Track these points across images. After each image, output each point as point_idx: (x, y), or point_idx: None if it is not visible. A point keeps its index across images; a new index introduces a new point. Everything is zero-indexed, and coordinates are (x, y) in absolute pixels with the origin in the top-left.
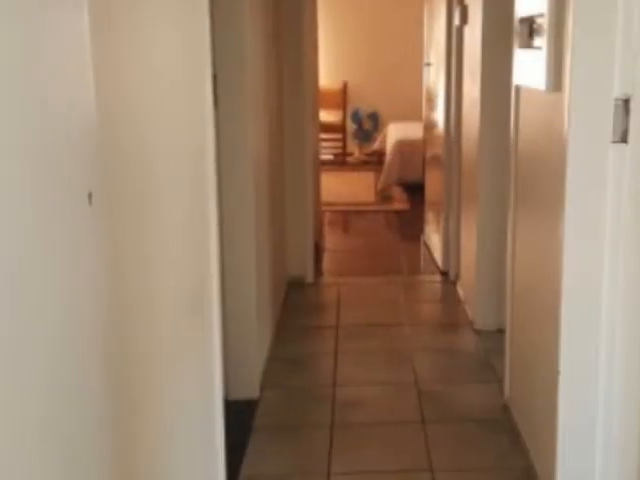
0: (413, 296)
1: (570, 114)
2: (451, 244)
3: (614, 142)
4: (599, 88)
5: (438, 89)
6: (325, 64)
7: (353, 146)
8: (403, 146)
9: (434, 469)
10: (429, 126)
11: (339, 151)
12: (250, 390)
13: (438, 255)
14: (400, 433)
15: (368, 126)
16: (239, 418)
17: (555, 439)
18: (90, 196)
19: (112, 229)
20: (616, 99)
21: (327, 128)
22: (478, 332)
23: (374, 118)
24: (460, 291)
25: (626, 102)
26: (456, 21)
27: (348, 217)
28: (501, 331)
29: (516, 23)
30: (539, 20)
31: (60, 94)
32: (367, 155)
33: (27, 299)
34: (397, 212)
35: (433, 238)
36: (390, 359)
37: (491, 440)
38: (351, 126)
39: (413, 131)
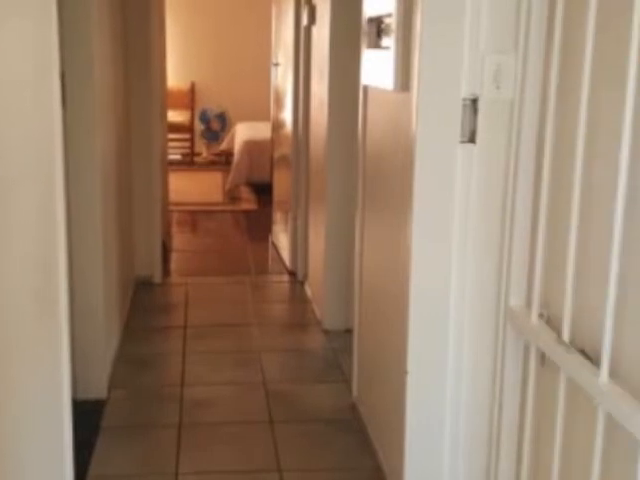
0: (261, 296)
1: (418, 114)
2: (299, 244)
3: (462, 142)
4: (447, 88)
5: (286, 89)
6: (173, 64)
7: (201, 146)
8: (251, 146)
9: (282, 469)
10: (277, 126)
11: (187, 151)
12: (98, 390)
13: (286, 255)
14: (248, 433)
15: (216, 126)
16: (87, 418)
17: (403, 439)
18: None
19: None
20: (464, 99)
21: (175, 128)
22: (326, 332)
23: (222, 118)
24: (308, 291)
25: (474, 102)
26: (304, 21)
27: (196, 217)
28: (349, 331)
29: (364, 23)
30: (387, 20)
31: None
32: (215, 155)
33: None
34: (245, 212)
35: (281, 238)
36: (238, 359)
37: (339, 440)
38: (199, 126)
39: (261, 131)
